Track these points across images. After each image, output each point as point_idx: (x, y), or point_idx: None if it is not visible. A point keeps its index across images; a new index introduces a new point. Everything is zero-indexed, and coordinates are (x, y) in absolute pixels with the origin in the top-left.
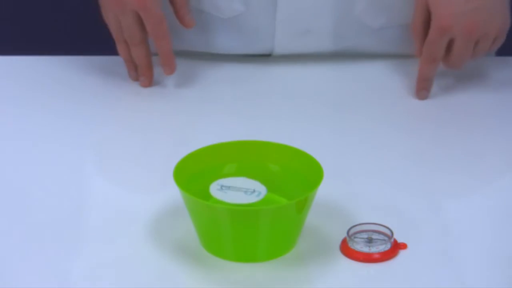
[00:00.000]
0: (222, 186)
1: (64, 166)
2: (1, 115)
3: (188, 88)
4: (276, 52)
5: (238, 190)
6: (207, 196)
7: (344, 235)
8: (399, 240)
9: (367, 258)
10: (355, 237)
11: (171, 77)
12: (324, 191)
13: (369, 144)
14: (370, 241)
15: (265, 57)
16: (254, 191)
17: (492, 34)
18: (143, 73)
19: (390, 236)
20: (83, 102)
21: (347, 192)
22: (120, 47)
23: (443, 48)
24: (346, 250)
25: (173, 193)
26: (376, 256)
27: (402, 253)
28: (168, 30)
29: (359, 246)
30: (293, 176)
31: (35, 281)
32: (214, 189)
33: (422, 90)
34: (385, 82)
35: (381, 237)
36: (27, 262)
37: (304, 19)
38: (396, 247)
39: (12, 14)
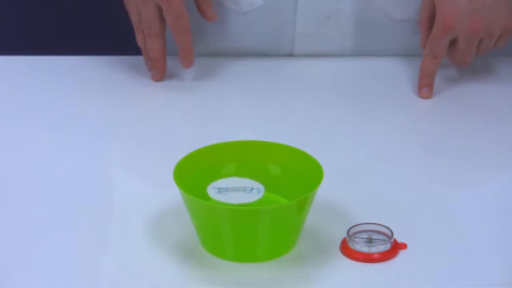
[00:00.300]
0: (219, 188)
1: (71, 164)
2: (7, 115)
3: (204, 83)
4: (297, 41)
5: (237, 190)
6: (207, 196)
7: (344, 235)
8: (399, 240)
9: (367, 258)
10: (355, 237)
11: (186, 72)
12: (324, 191)
13: (370, 144)
14: (370, 241)
15: (285, 56)
16: (252, 188)
17: (496, 33)
18: (155, 67)
19: (390, 236)
20: (93, 100)
21: (347, 192)
22: (138, 36)
23: (445, 46)
24: (346, 250)
25: (174, 192)
26: (376, 256)
27: (402, 253)
28: (189, 25)
29: (359, 246)
30: (293, 176)
31: (35, 281)
32: (213, 193)
33: (425, 87)
34: (390, 80)
35: (381, 237)
36: (29, 262)
37: (325, 4)
38: (396, 247)
39: (13, 14)
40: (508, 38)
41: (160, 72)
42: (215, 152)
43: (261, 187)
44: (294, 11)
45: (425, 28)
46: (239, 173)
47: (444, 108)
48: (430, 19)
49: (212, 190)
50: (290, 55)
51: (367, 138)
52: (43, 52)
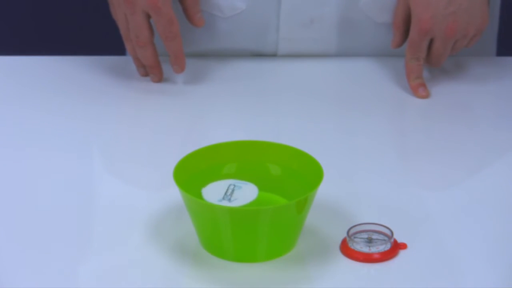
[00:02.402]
0: (224, 198)
1: (68, 166)
2: (3, 115)
3: (194, 86)
4: (281, 45)
5: (232, 192)
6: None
7: (344, 235)
8: (399, 240)
9: (367, 258)
10: (355, 237)
11: (176, 76)
12: (324, 191)
13: (370, 144)
14: (370, 241)
15: (271, 57)
16: (235, 185)
17: (470, 34)
18: (152, 72)
19: (390, 236)
20: (89, 101)
21: (347, 192)
22: (128, 45)
23: (425, 48)
24: (346, 250)
25: (173, 193)
26: (376, 256)
27: (402, 253)
28: (179, 30)
29: (359, 246)
30: (293, 176)
31: (38, 282)
32: (225, 203)
33: (420, 87)
34: (386, 80)
35: (381, 237)
36: (30, 262)
37: (309, 8)
38: (396, 247)
39: (13, 14)
40: (480, 38)
41: (157, 75)
42: (215, 152)
43: (243, 181)
44: (277, 15)
45: (399, 30)
46: (239, 173)
47: (447, 105)
48: (404, 21)
49: (223, 202)
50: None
51: (368, 138)
52: (35, 53)
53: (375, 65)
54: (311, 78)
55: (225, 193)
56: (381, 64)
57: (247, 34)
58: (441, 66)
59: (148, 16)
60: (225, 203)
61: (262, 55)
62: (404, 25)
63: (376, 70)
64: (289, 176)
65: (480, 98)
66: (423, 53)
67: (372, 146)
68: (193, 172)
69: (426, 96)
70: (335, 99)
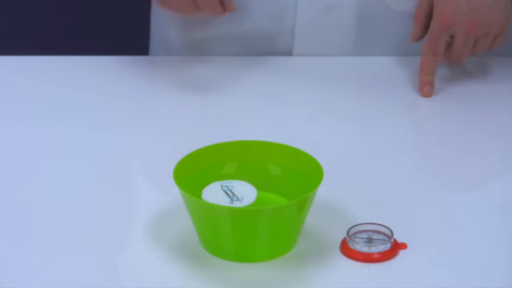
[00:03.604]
0: (232, 201)
1: (67, 166)
2: (3, 115)
3: (195, 86)
4: (297, 33)
5: (233, 189)
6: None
7: (344, 235)
8: (399, 240)
9: (367, 258)
10: (355, 237)
11: (178, 75)
12: (324, 191)
13: (370, 144)
14: (370, 241)
15: (271, 56)
16: (227, 186)
17: (493, 32)
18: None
19: (390, 236)
20: (88, 101)
21: (347, 192)
22: (187, 9)
23: (444, 44)
24: (346, 250)
25: (173, 193)
26: (376, 256)
27: (402, 253)
28: None
29: (359, 246)
30: (293, 176)
31: (37, 282)
32: (238, 204)
33: (426, 85)
34: (388, 79)
35: (381, 237)
36: (29, 263)
37: None
38: (396, 247)
39: (13, 14)
40: (503, 37)
41: (217, 8)
42: (215, 152)
43: (238, 181)
44: (295, 3)
45: (420, 23)
46: (239, 173)
47: (443, 108)
48: (426, 15)
49: (238, 203)
50: (290, 47)
51: (368, 138)
52: (37, 53)
53: (390, 63)
54: (311, 78)
55: (228, 195)
56: (387, 64)
57: (264, 21)
58: (462, 65)
59: None
60: (237, 204)
61: (277, 48)
62: (426, 19)
63: (378, 70)
64: (289, 176)
65: (500, 99)
66: (440, 49)
67: (372, 146)
68: (193, 172)
69: (430, 95)
70: (335, 99)
